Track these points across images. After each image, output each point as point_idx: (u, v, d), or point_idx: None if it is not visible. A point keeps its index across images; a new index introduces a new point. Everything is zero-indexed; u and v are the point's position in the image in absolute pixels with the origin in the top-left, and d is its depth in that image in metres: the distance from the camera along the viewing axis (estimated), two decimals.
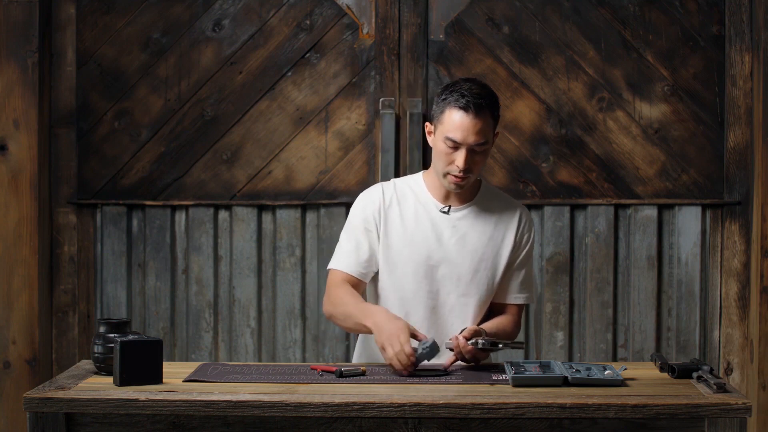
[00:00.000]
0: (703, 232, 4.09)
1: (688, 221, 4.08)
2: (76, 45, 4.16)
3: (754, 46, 4.02)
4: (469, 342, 2.64)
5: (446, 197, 2.90)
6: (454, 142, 2.75)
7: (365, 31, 4.13)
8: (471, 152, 2.76)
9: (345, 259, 2.90)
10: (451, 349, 2.69)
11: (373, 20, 4.11)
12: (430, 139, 2.86)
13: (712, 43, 4.07)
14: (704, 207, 4.09)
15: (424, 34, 4.10)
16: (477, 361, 2.70)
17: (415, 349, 2.62)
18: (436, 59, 4.10)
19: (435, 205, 2.90)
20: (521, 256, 2.93)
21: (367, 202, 2.92)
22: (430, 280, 2.87)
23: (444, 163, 2.79)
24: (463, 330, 2.71)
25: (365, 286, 2.93)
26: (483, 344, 2.62)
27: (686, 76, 4.08)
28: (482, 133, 2.75)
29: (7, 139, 4.04)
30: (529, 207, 4.07)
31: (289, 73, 4.14)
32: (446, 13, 4.11)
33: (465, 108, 2.73)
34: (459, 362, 2.77)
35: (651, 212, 4.09)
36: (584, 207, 4.10)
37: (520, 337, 3.80)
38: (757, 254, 3.97)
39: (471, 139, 2.74)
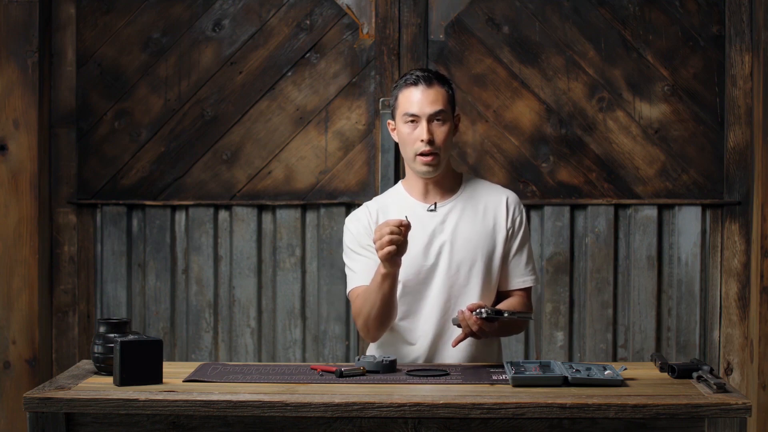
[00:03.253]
0: (703, 232, 4.09)
1: (688, 221, 4.08)
2: (76, 45, 4.16)
3: (754, 46, 4.02)
4: (474, 313, 2.65)
5: (428, 195, 2.93)
6: (412, 115, 2.84)
7: (365, 31, 4.13)
8: (431, 123, 2.84)
9: (358, 276, 2.93)
10: (458, 325, 2.70)
11: (373, 20, 4.11)
12: (394, 136, 2.95)
13: (712, 43, 4.07)
14: (704, 207, 4.09)
15: (424, 34, 4.10)
16: (485, 334, 2.70)
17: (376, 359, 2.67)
18: (436, 59, 4.10)
19: (420, 206, 2.93)
20: (518, 241, 2.94)
21: (355, 224, 2.97)
22: (431, 279, 2.88)
23: (410, 144, 2.86)
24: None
25: None
26: (488, 313, 2.63)
27: (686, 76, 4.09)
28: (437, 102, 2.84)
29: (7, 139, 4.04)
30: (529, 207, 4.08)
31: (289, 73, 4.14)
32: (446, 13, 4.11)
33: (415, 82, 2.86)
34: (462, 356, 2.78)
35: (651, 212, 4.09)
36: (584, 207, 4.10)
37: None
38: (757, 254, 3.97)
39: (427, 108, 2.83)
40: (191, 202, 4.15)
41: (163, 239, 4.17)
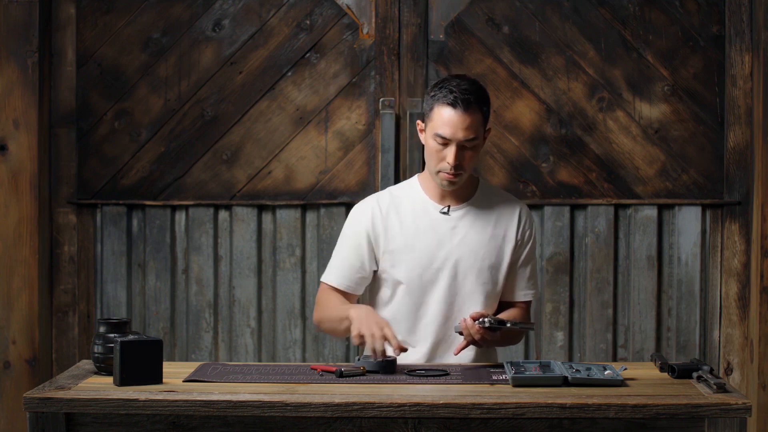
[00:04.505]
0: (703, 232, 4.09)
1: (688, 221, 4.08)
2: (76, 45, 4.16)
3: (754, 46, 4.02)
4: (477, 322, 2.65)
5: (443, 197, 2.91)
6: (443, 138, 2.77)
7: (365, 31, 4.13)
8: (461, 148, 2.77)
9: (335, 272, 2.94)
10: (460, 333, 2.69)
11: (373, 20, 4.11)
12: (421, 137, 2.89)
13: (712, 43, 4.07)
14: (704, 207, 4.09)
15: (424, 34, 4.10)
16: (487, 343, 2.70)
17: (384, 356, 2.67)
18: (436, 59, 4.10)
19: (434, 206, 2.91)
20: (525, 253, 2.94)
21: (359, 216, 2.94)
22: (436, 282, 2.87)
23: (435, 160, 2.81)
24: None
25: (356, 299, 2.97)
26: (491, 322, 2.63)
27: (686, 76, 4.09)
28: (471, 129, 2.76)
29: (7, 139, 4.04)
30: (529, 207, 4.06)
31: (289, 73, 4.14)
32: (446, 13, 4.11)
33: (453, 104, 2.75)
34: (463, 358, 2.78)
35: (651, 212, 4.09)
36: (584, 207, 4.10)
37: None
38: (757, 254, 3.97)
39: (460, 134, 2.76)
40: (191, 202, 4.15)
41: (163, 239, 4.17)
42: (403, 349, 2.67)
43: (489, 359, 2.95)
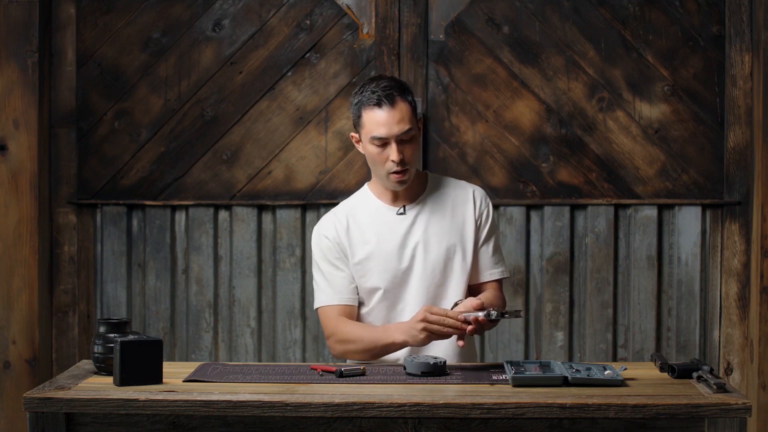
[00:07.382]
0: (703, 232, 4.09)
1: (688, 221, 4.08)
2: (76, 45, 4.16)
3: (754, 46, 4.02)
4: (483, 314, 2.64)
5: (396, 199, 2.93)
6: (381, 139, 2.79)
7: (365, 31, 4.13)
8: (400, 143, 2.79)
9: (328, 293, 2.92)
10: (468, 322, 2.68)
11: (373, 20, 4.11)
12: (359, 148, 2.90)
13: (712, 43, 4.07)
14: (704, 207, 4.09)
15: (424, 34, 4.10)
16: (482, 332, 2.71)
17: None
18: (436, 59, 4.10)
19: (389, 210, 2.92)
20: (485, 233, 2.94)
21: (322, 236, 2.94)
22: (408, 282, 2.89)
23: (380, 164, 2.83)
24: (457, 303, 2.74)
25: (356, 310, 2.95)
26: (496, 315, 2.62)
27: (686, 76, 4.09)
28: (404, 121, 2.79)
29: (7, 139, 4.04)
30: (529, 207, 4.08)
31: (289, 73, 4.14)
32: (446, 13, 4.11)
33: (379, 103, 2.78)
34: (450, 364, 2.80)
35: (651, 212, 4.09)
36: (584, 207, 4.10)
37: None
38: (757, 254, 3.97)
39: (395, 129, 2.78)
40: (191, 202, 4.15)
41: (163, 239, 4.17)
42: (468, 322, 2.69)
43: (471, 351, 2.97)
